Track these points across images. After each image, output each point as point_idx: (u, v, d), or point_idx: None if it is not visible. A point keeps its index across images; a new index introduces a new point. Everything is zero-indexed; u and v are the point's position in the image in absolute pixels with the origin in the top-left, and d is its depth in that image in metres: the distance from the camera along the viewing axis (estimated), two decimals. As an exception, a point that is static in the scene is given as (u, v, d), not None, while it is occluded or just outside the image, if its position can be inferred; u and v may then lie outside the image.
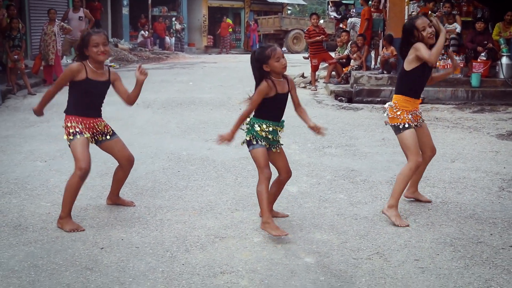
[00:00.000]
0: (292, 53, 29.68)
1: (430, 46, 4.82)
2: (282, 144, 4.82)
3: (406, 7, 12.71)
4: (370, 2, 14.86)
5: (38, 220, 4.89)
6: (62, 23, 14.88)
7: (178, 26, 29.41)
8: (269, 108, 4.57)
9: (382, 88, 11.92)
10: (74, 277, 3.81)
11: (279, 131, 4.69)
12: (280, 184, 4.86)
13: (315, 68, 13.60)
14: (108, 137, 5.05)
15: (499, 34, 12.28)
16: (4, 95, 12.26)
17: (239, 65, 19.98)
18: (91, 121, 4.90)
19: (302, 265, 4.01)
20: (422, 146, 5.12)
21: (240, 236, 4.52)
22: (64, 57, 17.28)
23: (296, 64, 19.81)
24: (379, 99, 11.53)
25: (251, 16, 34.71)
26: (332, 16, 32.50)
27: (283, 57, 4.51)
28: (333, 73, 13.99)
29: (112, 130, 5.12)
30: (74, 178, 4.74)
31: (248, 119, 4.60)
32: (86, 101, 4.89)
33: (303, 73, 15.17)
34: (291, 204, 5.31)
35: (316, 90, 13.15)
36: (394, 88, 10.68)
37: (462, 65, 12.12)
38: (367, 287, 3.69)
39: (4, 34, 13.16)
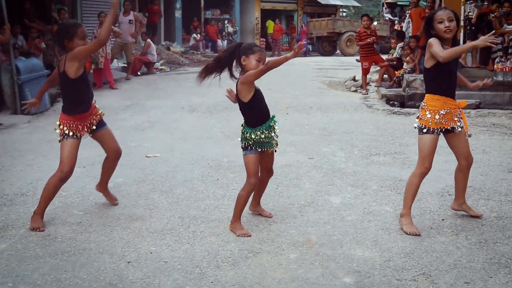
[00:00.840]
0: (345, 55, 29.23)
1: (452, 42, 4.51)
2: (277, 147, 4.79)
3: (462, 7, 12.18)
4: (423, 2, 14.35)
5: (68, 230, 4.72)
6: (112, 26, 14.88)
7: (230, 29, 29.34)
8: (257, 109, 4.61)
9: (436, 92, 11.42)
10: (96, 294, 3.60)
11: (274, 129, 4.67)
12: (262, 182, 4.91)
13: (366, 71, 13.18)
14: (101, 125, 5.03)
15: (562, 34, 11.64)
16: (54, 98, 12.30)
17: (290, 67, 19.61)
18: (89, 113, 4.87)
19: (340, 286, 3.70)
20: (456, 155, 4.78)
21: (276, 252, 4.24)
22: (115, 60, 17.39)
23: (349, 67, 19.42)
24: (433, 104, 11.05)
25: (304, 18, 34.36)
26: (387, 18, 31.87)
27: (263, 62, 4.46)
28: (386, 76, 13.56)
29: (103, 120, 5.06)
30: (54, 178, 4.80)
31: (242, 128, 4.65)
32: (87, 95, 4.85)
33: (355, 77, 14.77)
34: (333, 216, 4.99)
35: (367, 94, 12.73)
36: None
37: (521, 68, 11.51)
38: (410, 313, 3.36)
39: (55, 38, 13.25)
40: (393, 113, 10.29)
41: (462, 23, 12.26)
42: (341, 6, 38.26)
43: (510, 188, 5.73)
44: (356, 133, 8.47)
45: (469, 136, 4.70)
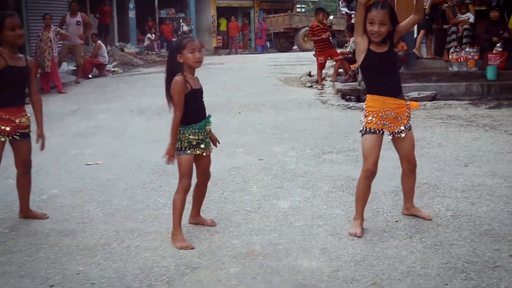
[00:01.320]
0: (303, 51, 29.01)
1: (377, 44, 4.21)
2: (211, 148, 4.50)
3: (415, -3, 11.94)
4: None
5: (-11, 251, 4.29)
6: (58, 28, 14.35)
7: (185, 28, 28.82)
8: (191, 108, 4.26)
9: (391, 85, 11.19)
10: (9, 327, 3.20)
11: (207, 132, 4.43)
12: (200, 187, 4.63)
13: (321, 66, 12.91)
14: (25, 136, 4.75)
15: (515, 23, 11.53)
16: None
17: (246, 65, 19.36)
18: (15, 113, 4.62)
19: (283, 303, 3.36)
20: (399, 157, 4.52)
21: (215, 266, 3.88)
22: (65, 63, 16.82)
23: (306, 62, 19.16)
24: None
25: (261, 15, 34.05)
26: (344, 12, 31.76)
27: (200, 51, 4.23)
28: (342, 70, 13.30)
29: (30, 130, 4.80)
30: None
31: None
32: (8, 91, 4.58)
33: (310, 72, 14.50)
34: (280, 223, 4.65)
35: (322, 89, 12.46)
36: (402, 85, 10.01)
37: (476, 57, 11.37)
38: (359, 331, 3.04)
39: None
40: (348, 108, 10.02)
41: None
42: (298, 2, 37.99)
43: (466, 184, 5.47)
44: (309, 130, 8.16)
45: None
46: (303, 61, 20.21)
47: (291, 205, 5.07)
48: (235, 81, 14.55)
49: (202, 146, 4.38)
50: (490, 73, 10.90)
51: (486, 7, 12.50)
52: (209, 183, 5.65)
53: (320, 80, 12.90)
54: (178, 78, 4.20)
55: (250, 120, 9.21)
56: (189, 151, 4.32)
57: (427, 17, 12.17)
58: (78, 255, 4.15)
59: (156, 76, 16.87)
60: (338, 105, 10.28)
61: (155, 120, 9.59)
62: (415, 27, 12.06)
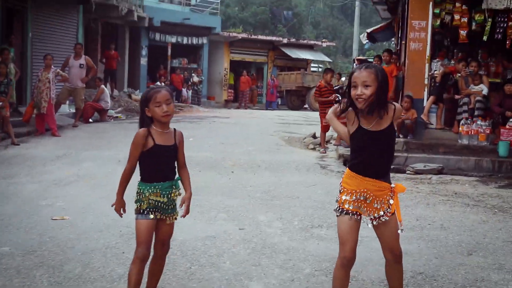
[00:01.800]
0: (313, 110, 28.58)
1: (366, 111, 3.58)
2: (176, 216, 3.96)
3: (427, 64, 11.47)
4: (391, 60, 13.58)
5: None
6: (58, 70, 13.98)
7: (195, 79, 28.58)
8: (152, 164, 3.85)
9: (396, 154, 10.57)
10: None
11: (175, 195, 3.91)
12: (157, 260, 4.03)
13: (325, 129, 12.31)
14: None
15: (531, 98, 10.98)
16: None
17: (251, 121, 18.85)
18: None
19: None
20: (381, 245, 3.85)
21: None
22: (67, 105, 16.44)
23: (313, 122, 18.64)
24: (392, 166, 10.20)
25: (274, 71, 33.85)
26: (357, 74, 31.50)
27: (167, 103, 3.84)
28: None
29: None
30: None
31: (137, 186, 3.88)
32: None
33: (315, 133, 13.93)
34: (247, 311, 4.00)
35: (325, 152, 11.85)
36: (408, 155, 9.41)
37: (488, 131, 10.80)
38: None
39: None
40: (348, 175, 9.38)
41: (426, 81, 11.55)
42: (314, 61, 37.81)
43: (468, 277, 4.78)
44: (302, 198, 7.52)
45: (401, 231, 3.75)
46: (311, 121, 19.69)
47: (264, 289, 4.41)
48: (236, 137, 14.00)
49: (168, 210, 3.88)
50: (502, 149, 10.31)
51: (501, 80, 12.01)
52: (178, 254, 5.09)
53: (323, 143, 12.31)
54: (140, 130, 3.85)
55: (241, 181, 8.59)
56: (150, 216, 3.81)
57: (437, 84, 11.69)
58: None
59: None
60: (338, 171, 9.66)
61: (141, 173, 8.99)
62: (425, 94, 11.57)
